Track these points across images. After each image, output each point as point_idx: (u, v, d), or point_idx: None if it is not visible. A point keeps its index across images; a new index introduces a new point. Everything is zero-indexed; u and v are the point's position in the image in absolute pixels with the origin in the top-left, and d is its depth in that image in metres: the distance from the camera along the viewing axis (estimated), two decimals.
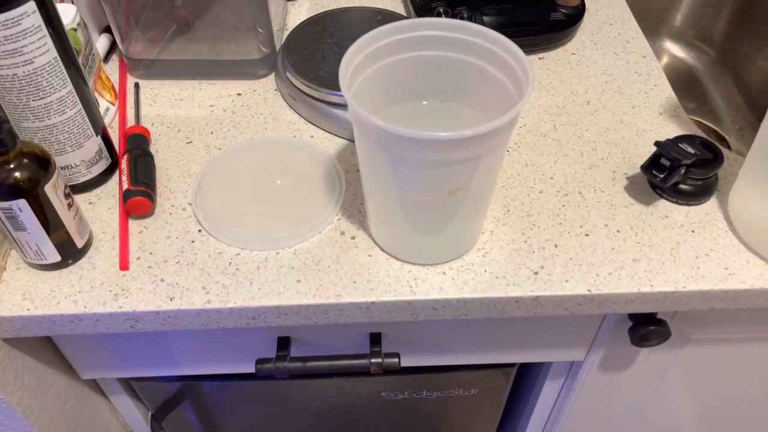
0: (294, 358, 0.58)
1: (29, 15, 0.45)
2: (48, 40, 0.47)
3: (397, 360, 0.57)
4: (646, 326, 0.56)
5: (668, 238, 0.54)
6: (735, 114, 0.90)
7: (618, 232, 0.54)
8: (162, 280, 0.51)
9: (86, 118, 0.53)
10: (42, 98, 0.49)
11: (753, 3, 0.89)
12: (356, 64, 0.46)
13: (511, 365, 0.68)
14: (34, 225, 0.47)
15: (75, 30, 0.56)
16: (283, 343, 0.59)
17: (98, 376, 0.63)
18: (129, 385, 0.70)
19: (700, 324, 0.60)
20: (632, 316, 0.58)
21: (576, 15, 0.72)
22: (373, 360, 0.57)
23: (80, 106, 0.52)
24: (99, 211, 0.56)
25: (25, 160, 0.45)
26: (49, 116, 0.50)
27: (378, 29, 0.47)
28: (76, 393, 0.63)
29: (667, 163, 0.53)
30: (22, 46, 0.46)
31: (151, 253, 0.52)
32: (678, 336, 0.61)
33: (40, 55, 0.47)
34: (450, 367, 0.68)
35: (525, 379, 0.79)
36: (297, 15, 0.76)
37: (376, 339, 0.59)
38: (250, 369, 0.61)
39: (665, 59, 0.99)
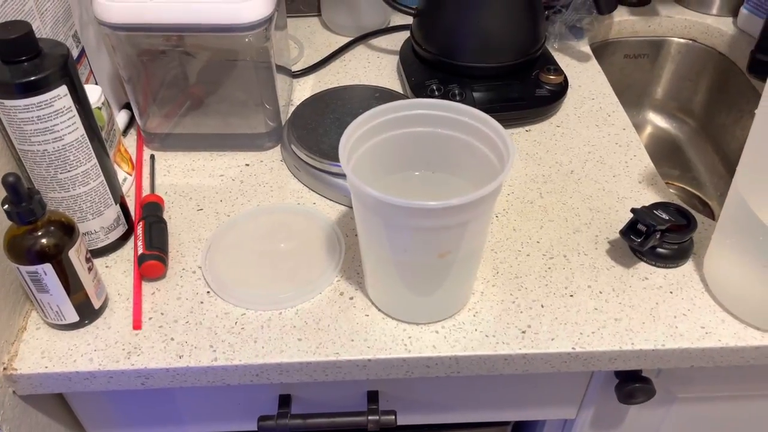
0: (295, 416, 0.60)
1: (61, 97, 0.50)
2: (77, 119, 0.52)
3: (393, 417, 0.60)
4: (632, 383, 0.59)
5: (648, 298, 0.57)
6: (717, 180, 0.95)
7: (600, 293, 0.58)
8: (172, 339, 0.54)
9: (107, 188, 0.57)
10: (69, 171, 0.54)
11: (728, 78, 0.95)
12: (354, 139, 0.51)
13: (506, 424, 0.70)
14: (57, 287, 0.51)
15: (99, 108, 0.62)
16: (285, 400, 0.61)
17: None
18: None
19: (684, 382, 0.63)
20: (618, 374, 0.60)
21: (560, 91, 0.77)
22: (370, 417, 0.60)
23: (102, 177, 0.56)
24: (114, 274, 0.60)
25: (52, 228, 0.50)
26: (74, 187, 0.55)
27: (374, 109, 0.52)
28: None
29: (643, 228, 0.57)
30: (54, 125, 0.51)
31: (162, 314, 0.56)
32: (664, 394, 0.63)
33: (69, 133, 0.52)
34: (446, 426, 0.70)
35: None
36: (302, 91, 0.82)
37: (373, 397, 0.62)
38: (252, 426, 0.63)
39: (649, 129, 1.05)
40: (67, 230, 0.51)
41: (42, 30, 0.60)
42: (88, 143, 0.54)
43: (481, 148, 0.53)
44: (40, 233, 0.49)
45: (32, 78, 0.48)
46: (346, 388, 0.61)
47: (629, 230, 0.58)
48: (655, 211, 0.58)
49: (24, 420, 0.55)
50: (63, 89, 0.50)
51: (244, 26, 0.62)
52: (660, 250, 0.59)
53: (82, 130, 0.53)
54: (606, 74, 0.85)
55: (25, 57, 0.49)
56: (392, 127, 0.54)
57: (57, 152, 0.52)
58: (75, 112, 0.52)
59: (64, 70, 0.50)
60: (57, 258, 0.50)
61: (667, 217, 0.58)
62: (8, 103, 0.49)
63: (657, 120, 1.05)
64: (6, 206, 0.47)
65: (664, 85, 1.03)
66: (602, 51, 0.98)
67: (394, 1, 0.82)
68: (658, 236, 0.57)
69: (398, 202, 0.44)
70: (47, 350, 0.53)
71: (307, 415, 0.60)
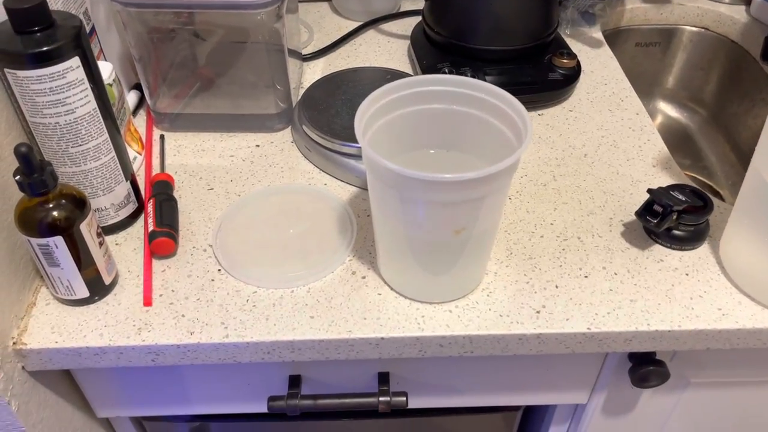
0: (305, 396, 0.60)
1: (74, 69, 0.50)
2: (89, 92, 0.52)
3: (404, 399, 0.59)
4: (646, 366, 0.58)
5: (663, 280, 0.56)
6: (728, 170, 0.94)
7: (615, 274, 0.57)
8: (183, 315, 0.54)
9: (118, 164, 0.57)
10: (80, 145, 0.53)
11: (740, 67, 0.94)
12: (370, 115, 0.50)
13: (516, 408, 0.70)
14: (68, 261, 0.50)
15: (110, 85, 0.61)
16: (295, 381, 0.61)
17: (113, 414, 0.65)
18: (142, 426, 0.72)
19: (698, 367, 0.62)
20: (632, 357, 0.60)
21: (572, 75, 0.77)
22: (381, 399, 0.59)
23: (113, 153, 0.56)
24: (125, 251, 0.59)
25: (63, 201, 0.49)
26: (85, 162, 0.54)
27: (389, 84, 0.52)
28: None
29: (659, 209, 0.57)
30: (66, 97, 0.50)
31: (173, 291, 0.55)
32: (678, 378, 0.63)
33: (81, 106, 0.51)
34: (456, 411, 0.69)
35: (530, 424, 0.80)
36: (312, 74, 0.82)
37: (384, 378, 0.61)
38: (262, 408, 0.63)
39: (660, 119, 1.04)
40: (79, 204, 0.50)
41: (53, 5, 0.59)
42: (100, 117, 0.53)
43: (497, 125, 0.52)
44: (51, 205, 0.49)
45: (45, 48, 0.48)
46: (356, 369, 0.61)
47: (645, 211, 0.57)
48: (671, 192, 0.58)
49: (33, 396, 0.54)
50: (76, 60, 0.50)
51: (257, 3, 0.62)
52: (676, 232, 0.58)
53: (94, 104, 0.52)
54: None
55: (38, 27, 0.48)
56: (407, 104, 0.53)
57: (69, 125, 0.52)
58: (87, 85, 0.51)
59: (77, 42, 0.49)
60: (68, 231, 0.49)
61: (683, 198, 0.57)
62: (21, 73, 0.48)
63: (668, 109, 1.04)
64: (18, 177, 0.47)
65: (676, 73, 1.03)
66: (614, 39, 0.97)
67: None
68: (674, 217, 0.56)
69: (414, 175, 0.44)
70: (57, 325, 0.53)
71: (317, 395, 0.60)
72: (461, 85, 0.52)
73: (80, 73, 0.50)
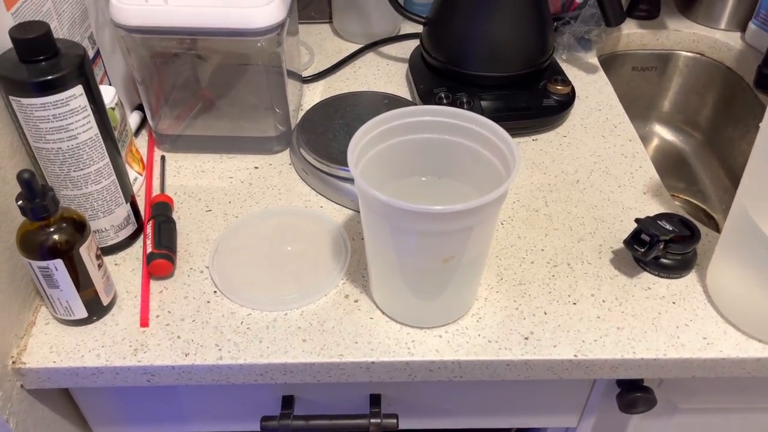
0: (297, 417, 0.61)
1: (77, 97, 0.52)
2: (91, 118, 0.53)
3: (395, 421, 0.60)
4: (633, 393, 0.59)
5: (650, 308, 0.57)
6: (722, 194, 0.95)
7: (603, 301, 0.58)
8: (178, 337, 0.55)
9: (118, 187, 0.58)
10: (82, 169, 0.55)
11: (735, 93, 0.96)
12: (363, 144, 0.52)
13: (507, 431, 0.71)
14: (67, 283, 0.52)
15: (113, 109, 0.63)
16: (287, 401, 0.62)
17: None
18: None
19: (685, 393, 0.63)
20: (620, 383, 0.61)
21: (567, 101, 0.78)
22: (372, 420, 0.60)
23: (114, 176, 0.57)
24: (123, 272, 0.60)
25: (64, 224, 0.51)
26: (86, 185, 0.56)
27: (383, 114, 0.53)
28: None
29: (647, 238, 0.58)
30: (69, 124, 0.52)
31: (169, 312, 0.57)
32: (665, 404, 0.63)
33: (83, 132, 0.53)
34: None
35: None
36: (311, 96, 0.83)
37: (375, 400, 0.62)
38: (255, 426, 0.64)
39: (655, 141, 1.05)
40: (79, 227, 0.52)
41: (59, 31, 0.61)
42: (102, 142, 0.55)
43: (487, 155, 0.53)
44: (52, 229, 0.50)
45: (49, 77, 0.49)
46: (348, 390, 0.62)
47: (633, 240, 0.59)
48: (659, 222, 0.59)
49: (30, 414, 0.55)
50: (79, 89, 0.51)
51: (257, 31, 0.63)
52: (663, 260, 0.59)
53: (96, 130, 0.54)
54: (613, 86, 0.86)
55: (42, 56, 0.50)
56: (400, 133, 0.55)
57: (71, 150, 0.53)
58: (90, 111, 0.53)
59: (81, 70, 0.51)
60: (68, 254, 0.51)
61: (671, 228, 0.58)
62: (25, 101, 0.50)
63: (663, 132, 1.06)
64: (20, 202, 0.48)
65: (671, 97, 1.04)
66: (610, 63, 0.99)
67: (405, 10, 0.83)
68: (661, 246, 0.58)
69: (404, 206, 0.45)
70: (55, 345, 0.54)
71: (309, 416, 0.61)
72: (453, 116, 0.54)
73: (83, 101, 0.52)
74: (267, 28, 0.63)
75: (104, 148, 0.55)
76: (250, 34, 0.64)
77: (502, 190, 0.46)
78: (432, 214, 0.45)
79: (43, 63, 0.50)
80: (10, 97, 0.50)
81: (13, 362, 0.53)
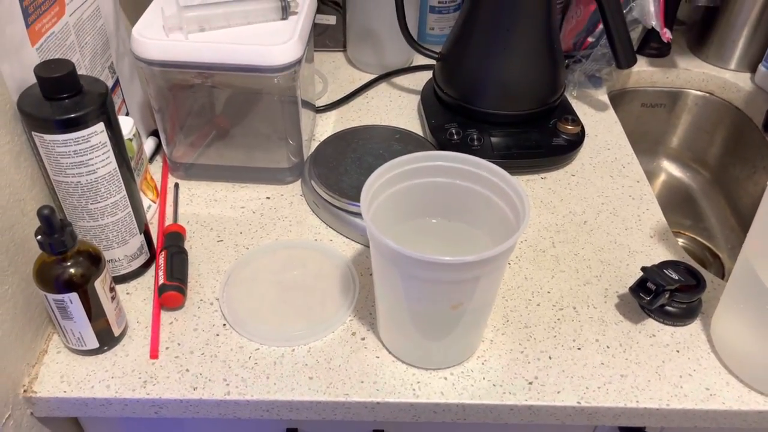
0: None
1: (98, 134, 0.53)
2: (110, 153, 0.54)
3: None
4: None
5: (654, 356, 0.58)
6: (728, 233, 0.96)
7: (608, 347, 0.59)
8: (187, 370, 0.56)
9: (133, 219, 0.59)
10: (99, 202, 0.56)
11: (743, 133, 0.96)
12: (376, 188, 0.53)
13: None
14: (81, 315, 0.53)
15: (131, 140, 0.64)
16: None
17: None
18: None
19: None
20: (622, 429, 0.61)
21: (577, 141, 0.79)
22: None
23: (130, 208, 0.58)
24: (135, 301, 0.61)
25: (81, 258, 0.52)
26: (103, 217, 0.57)
27: (396, 159, 0.54)
28: None
29: (653, 287, 0.58)
30: (89, 159, 0.53)
31: (179, 344, 0.58)
32: None
33: (102, 167, 0.54)
34: None
35: None
36: (324, 126, 0.84)
37: None
38: None
39: (663, 177, 1.06)
40: (95, 260, 0.53)
41: (81, 63, 0.63)
42: (119, 176, 0.56)
43: (497, 202, 0.54)
44: (69, 263, 0.51)
45: (72, 115, 0.51)
46: (353, 426, 0.62)
47: (639, 288, 0.59)
48: (665, 270, 0.59)
49: None
50: (100, 126, 0.52)
51: (275, 68, 0.65)
52: (669, 308, 0.60)
53: (114, 164, 0.55)
54: (622, 122, 0.87)
55: (66, 94, 0.51)
56: (412, 177, 0.56)
57: (90, 184, 0.54)
58: (109, 147, 0.54)
59: (102, 108, 0.52)
60: (83, 287, 0.52)
61: (677, 277, 0.59)
62: (48, 137, 0.51)
63: (671, 169, 1.06)
64: (39, 237, 0.49)
65: (680, 135, 1.05)
66: (620, 99, 0.99)
67: (419, 45, 0.84)
68: (667, 296, 0.58)
69: (414, 255, 0.46)
70: (66, 374, 0.55)
71: None
72: (465, 162, 0.55)
73: (104, 137, 0.53)
74: (284, 65, 0.65)
75: (121, 181, 0.56)
76: (267, 71, 0.65)
77: (511, 242, 0.47)
78: (441, 264, 0.46)
79: (67, 101, 0.51)
80: (33, 133, 0.51)
81: (25, 390, 0.54)
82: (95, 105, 0.52)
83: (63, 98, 0.51)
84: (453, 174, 0.56)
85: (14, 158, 0.52)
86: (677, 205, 1.02)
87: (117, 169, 0.55)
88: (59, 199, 0.56)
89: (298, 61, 0.66)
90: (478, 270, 0.48)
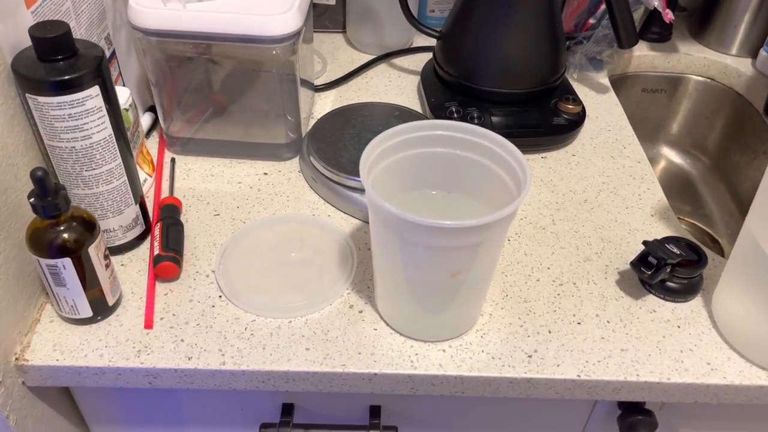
0: (296, 425, 0.61)
1: (93, 97, 0.52)
2: (106, 119, 0.53)
3: None
4: (634, 415, 0.59)
5: (655, 331, 0.57)
6: (727, 219, 0.95)
7: (608, 322, 0.58)
8: (182, 340, 0.55)
9: (129, 188, 0.58)
10: (94, 169, 0.55)
11: (743, 118, 0.96)
12: (375, 155, 0.52)
13: None
14: (74, 282, 0.52)
15: (126, 110, 0.63)
16: (287, 409, 0.62)
17: None
18: None
19: (686, 417, 0.63)
20: (621, 405, 0.61)
21: (577, 121, 0.78)
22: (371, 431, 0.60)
23: (125, 177, 0.58)
24: (129, 272, 0.61)
25: (74, 223, 0.51)
26: (98, 185, 0.56)
27: (395, 127, 0.53)
28: None
29: (654, 261, 0.58)
30: (83, 124, 0.52)
31: (174, 315, 0.57)
32: (666, 429, 0.63)
33: (97, 132, 0.53)
34: None
35: None
36: (323, 105, 0.84)
37: (375, 412, 0.62)
38: None
39: (662, 164, 1.06)
40: (89, 227, 0.52)
41: (77, 30, 0.62)
42: (115, 143, 0.55)
43: (498, 171, 0.53)
44: (62, 228, 0.50)
45: (67, 77, 0.50)
46: (349, 401, 0.62)
47: (640, 262, 0.59)
48: (666, 245, 0.59)
49: (30, 412, 0.55)
50: (95, 89, 0.52)
51: (273, 39, 0.64)
52: (669, 284, 0.59)
53: (110, 130, 0.54)
54: (623, 107, 0.86)
55: (61, 56, 0.50)
56: (412, 146, 0.55)
57: (84, 150, 0.53)
58: (105, 112, 0.53)
59: (98, 71, 0.51)
60: (77, 253, 0.51)
61: (678, 252, 0.58)
62: (41, 99, 0.50)
63: (671, 155, 1.06)
64: (32, 199, 0.48)
65: (680, 121, 1.04)
66: (620, 84, 0.99)
67: (419, 23, 0.84)
68: (668, 270, 0.58)
69: (414, 220, 0.45)
70: (59, 343, 0.54)
71: (308, 425, 0.61)
72: (465, 131, 0.54)
73: (99, 101, 0.52)
74: (283, 36, 0.64)
75: (117, 148, 0.56)
76: (265, 41, 0.64)
77: (514, 207, 0.46)
78: (442, 229, 0.45)
79: (62, 62, 0.50)
80: (27, 95, 0.50)
81: (16, 359, 0.53)
82: (90, 68, 0.51)
83: (57, 60, 0.50)
84: (452, 144, 0.55)
85: (8, 122, 0.51)
86: (677, 191, 1.01)
87: (112, 135, 0.55)
88: (53, 165, 0.55)
89: (297, 33, 0.65)
90: (479, 236, 0.47)
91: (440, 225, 0.45)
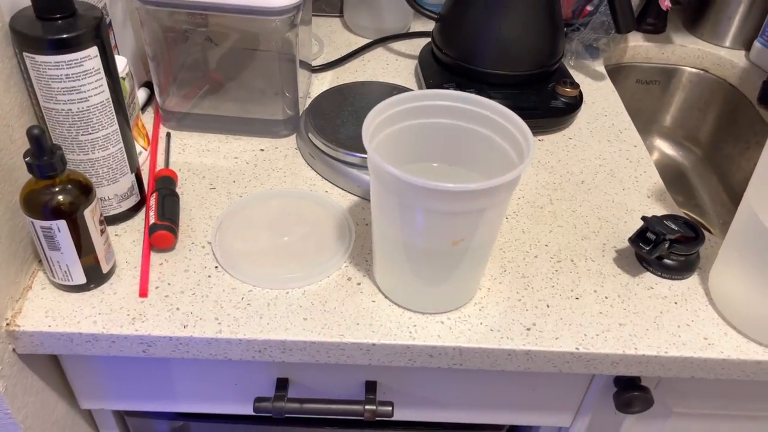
0: (291, 399, 0.60)
1: (91, 58, 0.51)
2: (104, 82, 0.53)
3: (390, 408, 0.60)
4: (630, 391, 0.59)
5: (652, 307, 0.57)
6: (719, 209, 0.96)
7: (606, 298, 0.58)
8: (177, 308, 0.54)
9: (125, 156, 0.58)
10: (90, 134, 0.54)
11: (737, 110, 0.97)
12: (378, 123, 0.52)
13: (500, 428, 0.70)
14: (69, 246, 0.51)
15: (123, 79, 0.62)
16: (282, 384, 0.61)
17: (97, 406, 0.65)
18: (123, 422, 0.72)
19: (681, 396, 0.63)
20: (617, 382, 0.61)
21: (574, 104, 0.78)
22: (367, 407, 0.59)
23: (122, 144, 0.57)
24: (124, 242, 0.60)
25: (70, 186, 0.50)
26: (93, 151, 0.55)
27: (398, 96, 0.53)
28: (72, 424, 0.64)
29: (652, 236, 0.58)
30: (81, 85, 0.51)
31: (169, 284, 0.56)
32: (661, 407, 0.63)
33: (95, 95, 0.52)
34: (441, 426, 0.70)
35: None
36: (320, 85, 0.83)
37: (371, 387, 0.61)
38: (248, 409, 0.63)
39: (655, 155, 1.06)
40: (85, 190, 0.51)
41: None
42: (112, 108, 0.54)
43: (500, 142, 0.53)
44: (57, 189, 0.49)
45: (65, 36, 0.49)
46: (344, 375, 0.61)
47: (638, 238, 0.59)
48: (665, 221, 0.59)
49: (20, 380, 0.54)
50: (94, 50, 0.51)
51: (273, 10, 0.63)
52: (667, 261, 0.59)
53: (107, 94, 0.53)
54: None
55: (59, 15, 0.49)
56: (414, 116, 0.55)
57: (81, 113, 0.53)
58: (103, 74, 0.52)
59: (97, 32, 0.51)
60: (72, 216, 0.50)
61: (676, 228, 0.58)
62: (39, 58, 0.49)
63: (664, 147, 1.06)
64: (28, 158, 0.47)
65: (674, 112, 1.05)
66: (615, 74, 0.99)
67: (417, 5, 0.84)
68: (666, 246, 0.58)
69: (416, 182, 0.45)
70: (51, 310, 0.53)
71: (303, 399, 0.60)
72: (467, 101, 0.54)
73: (97, 63, 0.51)
74: (283, 8, 0.63)
75: (114, 114, 0.55)
76: (266, 13, 0.64)
77: (517, 172, 0.46)
78: (444, 192, 0.45)
79: (60, 21, 0.49)
80: (24, 54, 0.49)
81: (7, 324, 0.52)
82: (89, 28, 0.50)
83: (56, 18, 0.49)
84: (454, 114, 0.55)
85: (4, 81, 0.50)
86: (669, 182, 1.01)
87: (110, 99, 0.54)
88: (48, 129, 0.54)
89: (297, 6, 0.65)
90: (482, 202, 0.47)
91: (443, 188, 0.45)
